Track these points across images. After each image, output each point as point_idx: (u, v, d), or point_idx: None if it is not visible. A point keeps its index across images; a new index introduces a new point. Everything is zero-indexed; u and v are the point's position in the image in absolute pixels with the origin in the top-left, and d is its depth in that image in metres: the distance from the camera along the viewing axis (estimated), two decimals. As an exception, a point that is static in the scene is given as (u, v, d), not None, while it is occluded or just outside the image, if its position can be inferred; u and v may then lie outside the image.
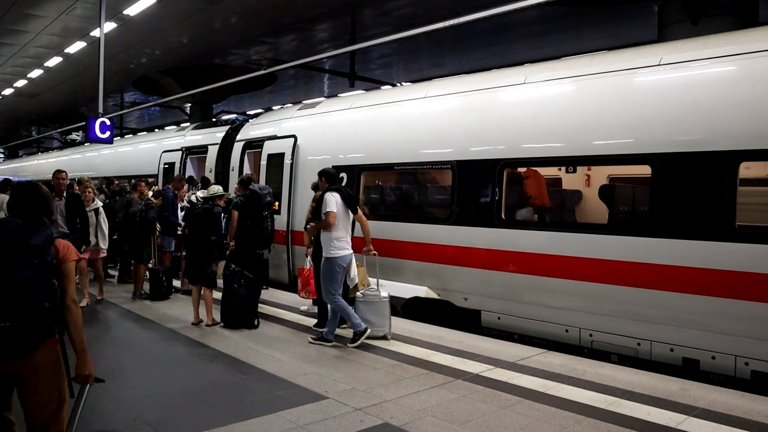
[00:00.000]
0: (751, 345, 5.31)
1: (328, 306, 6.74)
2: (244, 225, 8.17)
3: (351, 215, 6.64)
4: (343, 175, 9.23)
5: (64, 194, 7.96)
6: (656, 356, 5.91)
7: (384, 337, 6.65)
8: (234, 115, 25.82)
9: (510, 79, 7.73)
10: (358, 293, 6.83)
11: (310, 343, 6.54)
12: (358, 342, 6.37)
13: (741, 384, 5.31)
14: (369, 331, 6.44)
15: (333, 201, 6.42)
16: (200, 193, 9.49)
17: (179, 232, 9.59)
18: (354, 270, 7.05)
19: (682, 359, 5.74)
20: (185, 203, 10.13)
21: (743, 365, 5.37)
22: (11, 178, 17.28)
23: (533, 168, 7.48)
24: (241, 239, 8.14)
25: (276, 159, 10.76)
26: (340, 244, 6.46)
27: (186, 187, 10.86)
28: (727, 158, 5.44)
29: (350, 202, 6.57)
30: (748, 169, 5.70)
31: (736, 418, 4.39)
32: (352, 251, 6.65)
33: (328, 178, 6.81)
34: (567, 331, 6.56)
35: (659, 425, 4.27)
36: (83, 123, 14.16)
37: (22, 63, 20.20)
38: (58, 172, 7.98)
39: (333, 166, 9.34)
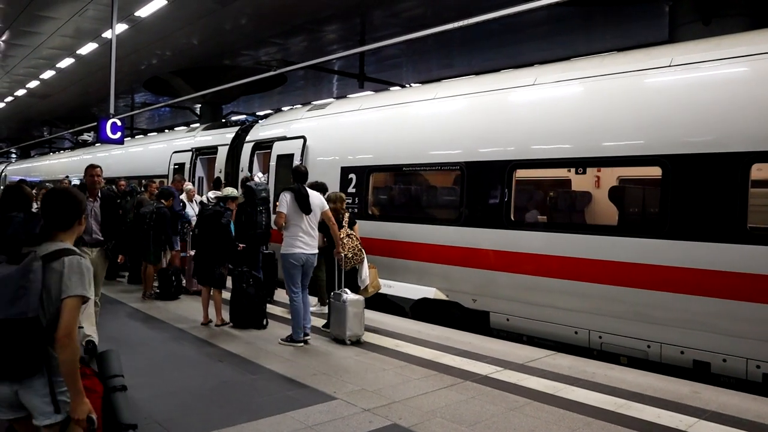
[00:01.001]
0: (762, 348, 5.27)
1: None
2: (239, 221, 8.30)
3: (305, 215, 6.55)
4: (353, 176, 9.25)
5: (99, 194, 6.51)
6: (666, 358, 5.88)
7: (343, 342, 6.56)
8: (244, 116, 25.94)
9: (520, 80, 7.72)
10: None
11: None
12: (286, 344, 6.49)
13: (752, 387, 5.28)
14: (302, 345, 6.47)
15: (284, 202, 6.54)
16: (211, 194, 9.54)
17: (187, 231, 9.67)
18: (365, 271, 7.08)
19: (693, 362, 5.71)
20: (195, 204, 10.20)
21: (755, 368, 5.33)
22: (26, 178, 17.47)
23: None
24: (238, 235, 8.26)
25: (285, 160, 10.80)
26: (292, 241, 6.52)
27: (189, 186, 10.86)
28: (738, 160, 5.40)
29: (302, 202, 6.52)
30: (760, 171, 5.65)
31: (748, 422, 4.36)
32: (314, 251, 6.66)
33: (294, 176, 6.90)
34: (576, 332, 6.54)
35: (669, 428, 4.25)
36: (94, 123, 14.27)
37: (34, 64, 20.39)
38: (91, 168, 6.54)
39: (342, 167, 9.43)
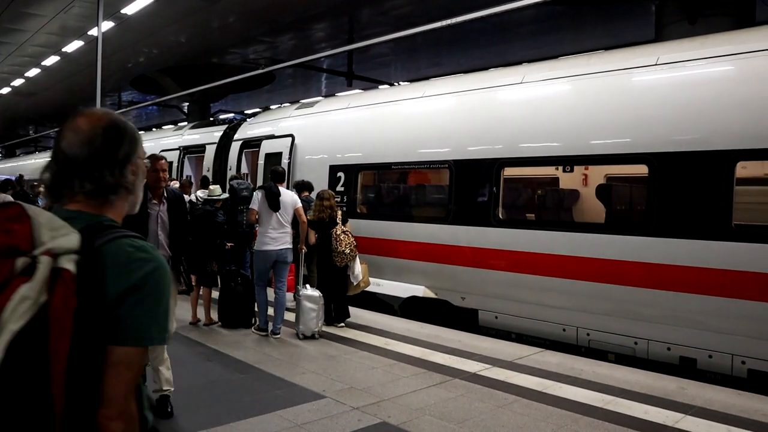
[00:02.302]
0: (747, 344, 5.33)
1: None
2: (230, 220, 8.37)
3: (275, 213, 6.80)
4: (341, 174, 9.24)
5: (165, 194, 4.86)
6: (653, 355, 5.93)
7: (297, 336, 6.80)
8: (232, 115, 25.81)
9: (508, 79, 7.74)
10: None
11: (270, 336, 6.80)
12: (255, 332, 6.90)
13: (738, 383, 5.33)
14: (268, 333, 6.83)
15: (255, 199, 6.89)
16: (200, 193, 9.48)
17: None
18: (358, 267, 7.25)
19: (679, 358, 5.76)
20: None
21: (740, 364, 5.38)
22: (11, 177, 17.30)
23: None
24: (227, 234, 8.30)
25: (274, 158, 10.76)
26: (262, 238, 6.82)
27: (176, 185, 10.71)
28: (724, 158, 5.45)
29: (271, 200, 6.79)
30: (744, 169, 5.71)
31: (733, 417, 4.41)
32: (284, 246, 6.85)
33: (271, 175, 7.30)
34: (564, 330, 6.57)
35: (656, 424, 4.29)
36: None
37: (19, 62, 20.16)
38: (155, 160, 4.78)
39: (331, 166, 9.42)
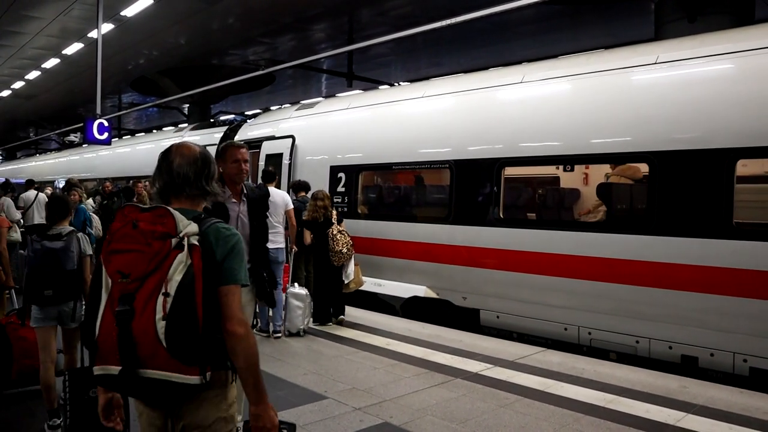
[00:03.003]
0: (749, 342, 5.33)
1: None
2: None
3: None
4: (342, 175, 9.24)
5: (244, 191, 4.16)
6: (655, 354, 5.93)
7: (283, 333, 6.93)
8: (232, 116, 25.79)
9: (507, 79, 7.74)
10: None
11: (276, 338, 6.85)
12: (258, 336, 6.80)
13: (739, 381, 5.33)
14: (269, 334, 6.88)
15: None
16: None
17: None
18: (351, 267, 7.32)
19: (681, 356, 5.76)
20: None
21: (742, 362, 5.38)
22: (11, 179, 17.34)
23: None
24: None
25: (274, 159, 10.76)
26: None
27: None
28: (724, 156, 5.45)
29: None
30: (745, 167, 5.71)
31: (735, 415, 4.41)
32: (275, 246, 6.83)
33: (262, 176, 7.45)
34: (566, 329, 6.57)
35: (658, 422, 4.29)
36: (81, 124, 14.16)
37: (19, 64, 20.18)
38: (234, 149, 4.12)
39: (331, 166, 9.43)
